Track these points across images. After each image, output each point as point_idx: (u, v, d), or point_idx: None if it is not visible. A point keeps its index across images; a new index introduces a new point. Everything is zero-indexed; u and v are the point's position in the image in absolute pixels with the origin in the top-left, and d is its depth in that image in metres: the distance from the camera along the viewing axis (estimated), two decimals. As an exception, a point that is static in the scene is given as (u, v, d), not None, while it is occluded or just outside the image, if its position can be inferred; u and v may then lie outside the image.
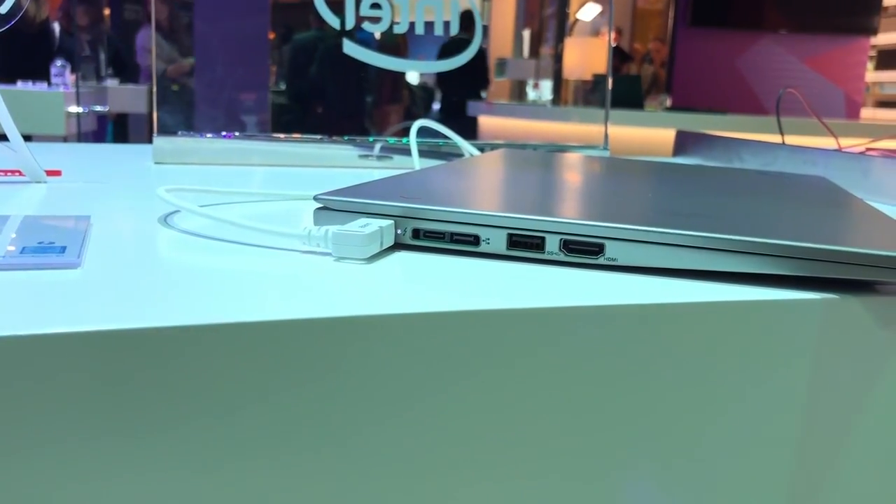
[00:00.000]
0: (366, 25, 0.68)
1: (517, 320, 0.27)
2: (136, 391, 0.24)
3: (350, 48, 0.69)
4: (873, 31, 3.99)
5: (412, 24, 0.69)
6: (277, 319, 0.25)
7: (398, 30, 0.69)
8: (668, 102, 3.66)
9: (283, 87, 0.93)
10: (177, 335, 0.24)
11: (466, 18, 0.73)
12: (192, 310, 0.25)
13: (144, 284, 0.28)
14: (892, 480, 0.33)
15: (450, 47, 0.72)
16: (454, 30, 0.70)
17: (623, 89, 3.12)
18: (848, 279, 0.30)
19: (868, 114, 4.45)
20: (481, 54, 0.75)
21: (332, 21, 0.68)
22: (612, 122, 0.80)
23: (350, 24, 0.68)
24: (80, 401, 0.23)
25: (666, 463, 0.30)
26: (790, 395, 0.31)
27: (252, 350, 0.24)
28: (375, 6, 0.68)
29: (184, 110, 0.73)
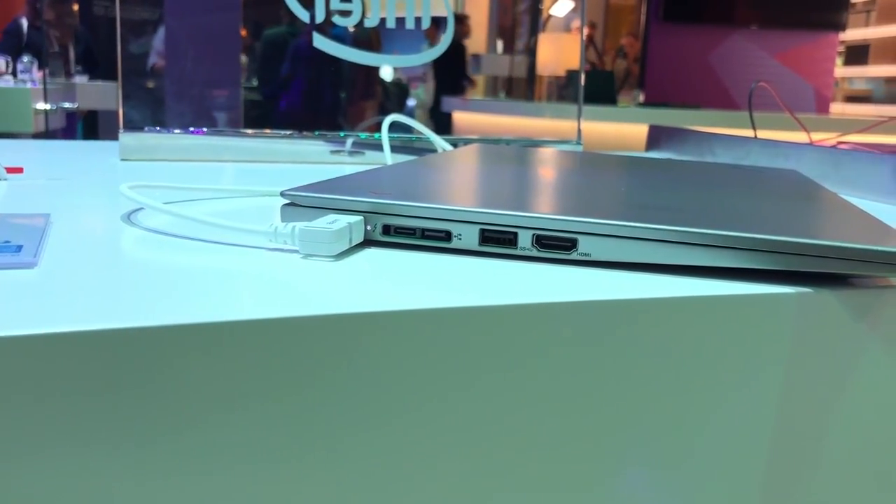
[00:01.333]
0: (336, 19, 0.67)
1: (489, 317, 0.27)
2: (90, 395, 0.23)
3: (320, 42, 0.68)
4: (841, 27, 4.04)
5: (383, 19, 0.68)
6: (234, 320, 0.24)
7: (369, 24, 0.68)
8: (641, 98, 3.67)
9: (254, 82, 0.91)
10: (134, 336, 0.23)
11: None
12: (151, 310, 0.24)
13: (103, 284, 0.27)
14: (867, 471, 0.33)
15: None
16: (425, 24, 0.70)
17: (596, 85, 3.13)
18: (822, 272, 0.30)
19: (837, 108, 4.51)
20: (457, 49, 0.74)
21: (302, 15, 0.67)
22: (585, 117, 0.80)
23: (320, 18, 0.67)
24: (29, 405, 0.22)
25: (641, 456, 0.30)
26: (766, 389, 0.30)
27: (213, 351, 0.24)
28: (346, 0, 0.67)
29: (150, 106, 0.72)
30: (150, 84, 0.74)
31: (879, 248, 0.29)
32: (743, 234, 0.30)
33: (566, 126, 0.81)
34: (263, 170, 0.64)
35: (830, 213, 0.38)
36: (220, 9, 0.81)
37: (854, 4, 4.35)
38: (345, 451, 0.26)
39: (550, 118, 0.92)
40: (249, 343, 0.24)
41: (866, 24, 4.64)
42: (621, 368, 0.28)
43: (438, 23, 0.72)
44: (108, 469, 0.23)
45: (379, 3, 0.68)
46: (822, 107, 4.08)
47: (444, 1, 0.70)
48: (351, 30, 0.70)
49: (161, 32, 0.73)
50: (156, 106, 0.73)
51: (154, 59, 0.74)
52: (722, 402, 0.30)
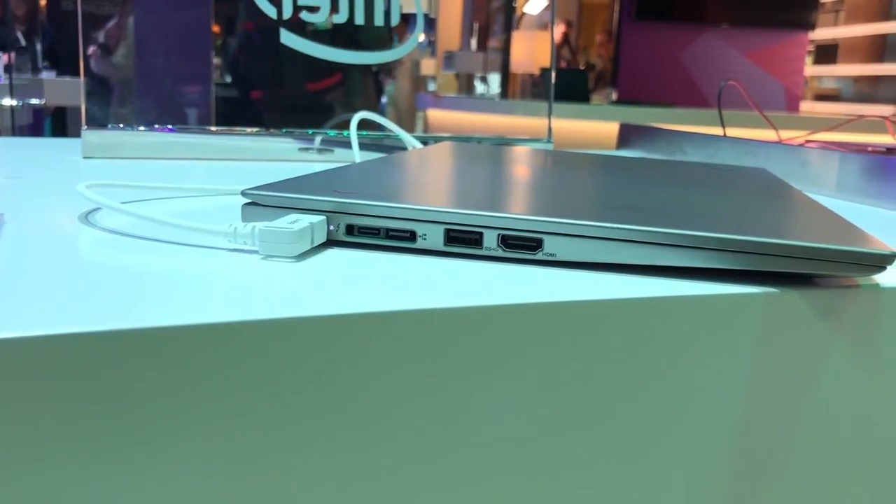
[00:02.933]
0: (304, 15, 0.66)
1: (451, 319, 0.26)
2: (43, 400, 0.22)
3: (287, 38, 0.67)
4: (811, 27, 4.08)
5: (352, 15, 0.68)
6: (184, 324, 0.23)
7: (337, 20, 0.67)
8: (614, 96, 3.69)
9: (223, 79, 0.90)
10: (87, 341, 0.22)
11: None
12: (101, 314, 0.24)
13: (55, 286, 0.26)
14: (831, 469, 0.33)
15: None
16: (395, 20, 0.69)
17: (570, 83, 3.14)
18: (788, 272, 0.30)
19: (807, 107, 4.56)
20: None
21: (269, 11, 0.66)
22: (558, 115, 0.79)
23: (287, 13, 0.66)
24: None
25: (607, 458, 0.29)
26: (732, 389, 0.30)
27: (164, 356, 0.23)
28: (313, -5, 0.67)
29: (114, 102, 0.70)
30: (115, 80, 0.72)
31: (844, 248, 0.29)
32: (707, 234, 0.30)
33: (539, 124, 0.80)
34: (230, 168, 0.63)
35: (797, 213, 0.38)
36: (188, 4, 0.80)
37: (823, 4, 4.40)
38: (307, 456, 0.25)
39: (524, 116, 0.92)
40: (201, 348, 0.23)
41: (835, 23, 4.69)
42: (586, 369, 0.28)
43: (408, 20, 0.72)
44: (62, 476, 0.22)
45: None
46: (793, 105, 4.12)
47: (414, -2, 0.70)
48: (319, 25, 0.69)
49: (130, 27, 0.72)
50: (120, 102, 0.71)
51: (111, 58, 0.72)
52: (688, 401, 0.30)
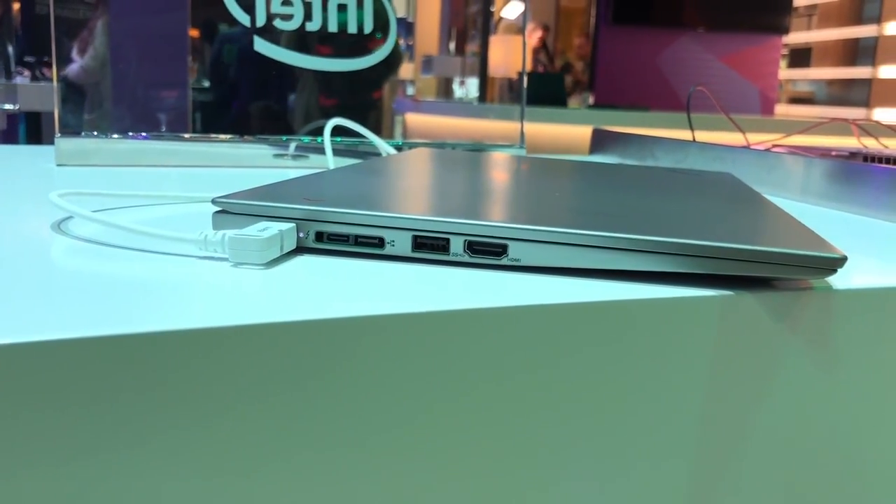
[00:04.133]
0: (277, 23, 0.67)
1: (415, 324, 0.27)
2: (9, 406, 0.22)
3: (261, 46, 0.67)
4: (785, 31, 4.13)
5: (325, 22, 0.68)
6: (152, 331, 0.23)
7: (311, 27, 0.68)
8: (591, 100, 3.71)
9: (199, 85, 0.90)
10: (57, 349, 0.23)
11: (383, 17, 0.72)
12: (73, 322, 0.24)
13: (26, 295, 0.27)
14: (788, 472, 0.34)
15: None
16: (368, 28, 0.70)
17: (547, 87, 3.16)
18: (744, 275, 0.31)
19: (782, 110, 4.61)
20: (398, 52, 0.75)
21: (243, 19, 0.67)
22: (535, 119, 0.81)
23: (261, 21, 0.67)
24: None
25: (566, 461, 0.30)
26: (690, 390, 0.31)
27: (135, 362, 0.23)
28: (287, 3, 0.67)
29: (88, 109, 0.70)
30: (90, 86, 0.72)
31: (796, 252, 0.30)
32: (665, 239, 0.31)
33: (516, 128, 0.81)
34: (205, 174, 0.63)
35: (756, 217, 0.39)
36: (164, 9, 0.80)
37: (797, 8, 4.45)
38: (274, 462, 0.26)
39: (501, 120, 0.93)
40: (168, 354, 0.24)
41: (808, 27, 4.76)
42: (547, 371, 0.29)
43: (382, 27, 0.72)
44: (30, 482, 0.23)
45: (320, 6, 0.68)
46: (768, 108, 4.17)
47: (388, 5, 0.71)
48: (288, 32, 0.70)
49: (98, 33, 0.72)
50: (95, 108, 0.71)
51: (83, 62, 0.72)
52: (647, 402, 0.31)
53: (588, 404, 0.30)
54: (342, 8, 0.68)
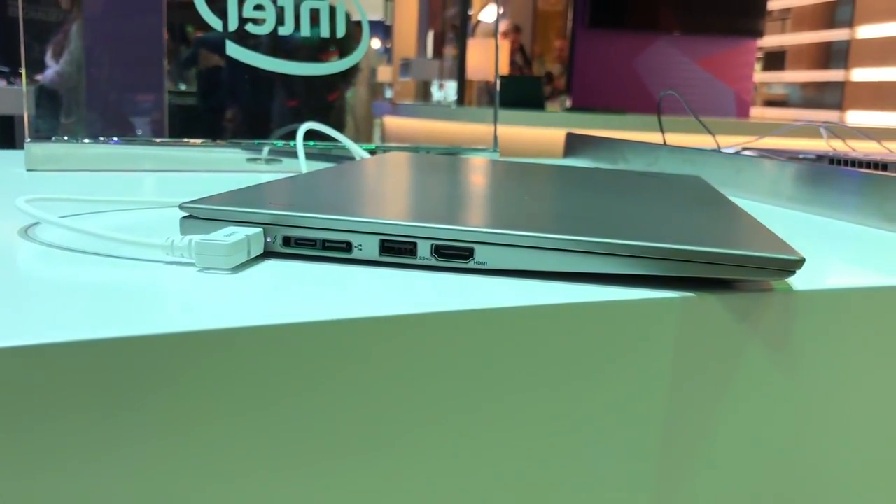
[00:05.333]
0: (249, 27, 0.67)
1: (381, 328, 0.27)
2: (-29, 417, 0.22)
3: (233, 50, 0.67)
4: (759, 34, 4.18)
5: (297, 27, 0.68)
6: (113, 337, 0.24)
7: (283, 32, 0.68)
8: (568, 103, 3.73)
9: (175, 89, 0.90)
10: (23, 354, 0.23)
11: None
12: (36, 327, 0.24)
13: (-12, 302, 0.27)
14: (751, 471, 0.34)
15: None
16: (340, 32, 0.70)
17: (524, 90, 3.17)
18: (706, 277, 0.32)
19: (757, 112, 4.66)
20: (372, 56, 0.75)
21: (215, 23, 0.67)
22: (513, 122, 0.81)
23: (233, 26, 0.67)
24: None
25: (532, 463, 0.30)
26: (652, 390, 0.32)
27: (98, 368, 0.23)
28: (259, 8, 0.67)
29: (59, 113, 0.70)
30: (62, 90, 0.72)
31: (755, 254, 0.31)
32: (627, 242, 0.31)
33: (490, 130, 0.82)
34: (176, 179, 0.63)
35: (719, 220, 0.40)
36: (137, 12, 0.80)
37: (771, 12, 4.50)
38: (233, 462, 0.26)
39: (479, 123, 0.94)
40: (132, 359, 0.24)
41: (782, 31, 4.81)
42: (513, 372, 0.29)
43: (355, 31, 0.73)
44: (-12, 491, 0.23)
45: (293, 11, 0.68)
46: (743, 111, 4.21)
47: (360, 9, 0.71)
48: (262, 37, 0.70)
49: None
50: (67, 112, 0.71)
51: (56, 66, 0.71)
52: (610, 404, 0.31)
53: (551, 405, 0.30)
54: (314, 12, 0.68)
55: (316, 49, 0.70)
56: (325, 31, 0.69)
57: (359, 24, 0.73)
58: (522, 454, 0.30)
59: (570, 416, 0.31)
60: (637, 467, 0.32)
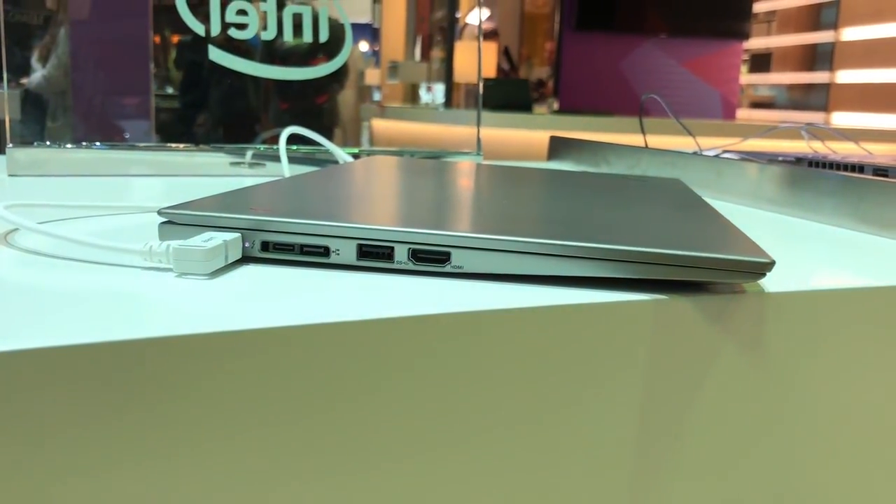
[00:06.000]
0: (232, 32, 0.67)
1: (357, 332, 0.28)
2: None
3: (216, 55, 0.67)
4: (745, 36, 4.20)
5: (280, 31, 0.69)
6: (84, 343, 0.24)
7: (266, 36, 0.68)
8: (556, 105, 3.74)
9: (162, 92, 0.90)
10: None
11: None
12: (13, 333, 0.24)
13: (-36, 309, 0.27)
14: (723, 472, 0.35)
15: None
16: (323, 37, 0.70)
17: (511, 93, 3.18)
18: (678, 280, 0.32)
19: (743, 114, 4.69)
20: (357, 59, 0.75)
21: (197, 28, 0.67)
22: (501, 125, 0.82)
23: (216, 31, 0.67)
24: None
25: (505, 464, 0.31)
26: (626, 393, 0.32)
27: (74, 374, 0.24)
28: (242, 13, 0.67)
29: (41, 118, 0.70)
30: (46, 94, 0.72)
31: (725, 257, 0.31)
32: (601, 246, 0.32)
33: (474, 135, 0.82)
34: (159, 183, 0.63)
35: (695, 223, 0.40)
36: (125, 17, 0.80)
37: (756, 14, 4.53)
38: (209, 465, 0.26)
39: (466, 126, 0.94)
40: (107, 365, 0.24)
41: (768, 33, 4.84)
42: (488, 374, 0.30)
43: (338, 35, 0.73)
44: (-37, 496, 0.23)
45: (275, 16, 0.68)
46: (729, 113, 4.23)
47: (342, 13, 0.71)
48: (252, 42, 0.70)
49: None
50: (52, 117, 0.71)
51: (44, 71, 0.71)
52: (584, 406, 0.31)
53: (525, 408, 0.30)
54: (297, 17, 0.69)
55: (299, 53, 0.70)
56: (307, 36, 0.70)
57: (343, 27, 0.73)
58: (496, 456, 0.31)
59: (545, 418, 0.31)
60: (611, 468, 0.33)
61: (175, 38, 0.82)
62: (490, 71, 3.96)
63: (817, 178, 0.56)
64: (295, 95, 0.80)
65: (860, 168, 0.62)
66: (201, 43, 0.68)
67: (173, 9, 0.70)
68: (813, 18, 4.53)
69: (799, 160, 0.69)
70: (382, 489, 0.29)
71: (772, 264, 0.31)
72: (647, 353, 0.32)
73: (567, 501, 0.32)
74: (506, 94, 3.10)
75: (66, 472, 0.24)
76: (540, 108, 3.67)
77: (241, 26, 0.68)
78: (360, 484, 0.29)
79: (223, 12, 0.67)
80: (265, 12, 0.68)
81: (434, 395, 0.29)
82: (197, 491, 0.26)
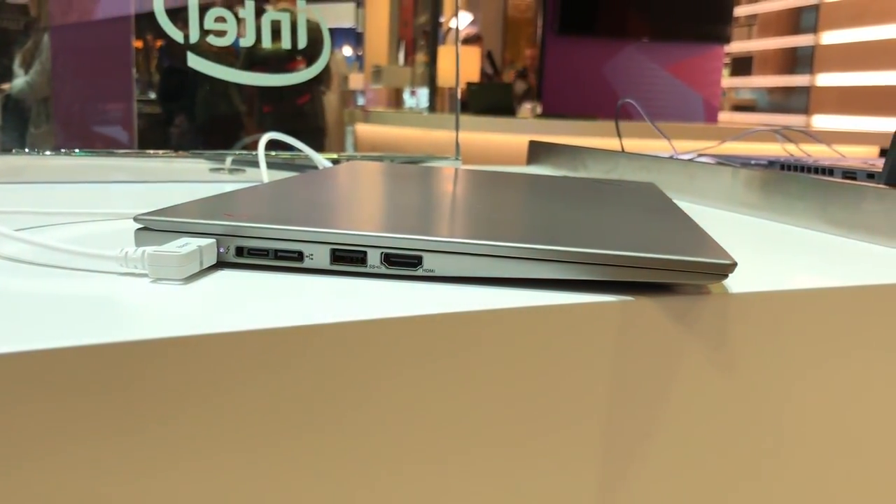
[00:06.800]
0: (211, 39, 0.68)
1: (329, 334, 0.28)
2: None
3: (194, 61, 0.68)
4: (727, 40, 4.23)
5: (258, 38, 0.69)
6: (58, 347, 0.24)
7: (244, 43, 0.69)
8: (539, 109, 3.76)
9: (145, 98, 0.90)
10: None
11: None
12: (-16, 340, 0.25)
13: (-60, 315, 0.27)
14: (689, 472, 0.36)
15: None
16: (301, 43, 0.71)
17: (494, 97, 3.19)
18: (644, 282, 0.33)
19: (726, 117, 4.72)
20: (338, 64, 0.76)
21: (175, 35, 0.67)
22: (483, 129, 0.82)
23: (195, 37, 0.67)
24: None
25: (472, 466, 0.31)
26: (592, 395, 0.33)
27: (42, 378, 0.24)
28: (220, 19, 0.68)
29: (23, 125, 0.70)
30: (30, 100, 0.72)
31: (688, 259, 0.32)
32: (566, 249, 0.32)
33: (460, 137, 0.83)
34: (139, 190, 0.64)
35: (663, 226, 0.41)
36: (106, 22, 0.80)
37: (737, 18, 4.57)
38: (181, 474, 0.27)
39: (450, 130, 0.95)
40: (78, 369, 0.25)
41: (749, 36, 4.89)
42: (457, 376, 0.30)
43: (316, 40, 0.73)
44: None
45: (254, 22, 0.69)
46: (712, 116, 4.26)
47: (320, 19, 0.72)
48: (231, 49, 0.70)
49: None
50: (35, 123, 0.71)
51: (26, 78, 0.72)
52: (551, 406, 0.32)
53: (493, 408, 0.31)
54: (275, 23, 0.69)
55: (279, 59, 0.71)
56: (286, 42, 0.70)
57: (322, 32, 0.74)
58: (465, 456, 0.31)
59: (512, 419, 0.32)
60: (578, 468, 0.33)
61: (157, 44, 0.82)
62: (473, 75, 3.97)
63: (787, 182, 0.57)
64: (276, 101, 0.80)
65: (830, 171, 0.63)
66: (180, 49, 0.68)
67: (154, 15, 0.70)
68: (793, 22, 4.58)
69: (772, 163, 0.70)
70: (351, 491, 0.30)
71: (734, 265, 0.32)
72: (614, 352, 0.33)
73: (536, 501, 0.33)
74: (489, 99, 3.11)
75: (42, 475, 0.25)
76: (524, 112, 3.69)
77: (220, 33, 0.68)
78: (327, 488, 0.29)
79: (202, 19, 0.68)
80: (243, 19, 0.68)
81: (404, 395, 0.30)
82: (171, 493, 0.27)
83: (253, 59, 0.74)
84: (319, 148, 0.71)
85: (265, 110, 0.88)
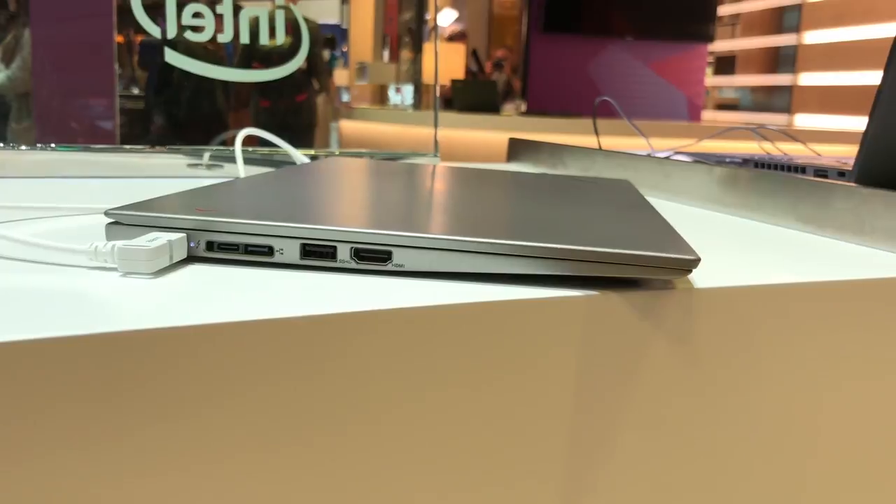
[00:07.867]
0: (188, 34, 0.67)
1: (297, 328, 0.28)
2: None
3: (172, 57, 0.68)
4: (710, 39, 4.26)
5: (237, 33, 0.69)
6: (21, 339, 0.24)
7: (222, 39, 0.69)
8: (524, 107, 3.77)
9: (128, 93, 0.90)
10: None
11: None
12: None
13: None
14: (655, 466, 0.36)
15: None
16: (280, 39, 0.71)
17: (479, 94, 3.19)
18: (610, 277, 0.33)
19: (709, 116, 4.75)
20: (315, 60, 0.76)
21: (153, 30, 0.67)
22: (468, 126, 0.83)
23: (172, 33, 0.67)
24: None
25: (437, 460, 0.32)
26: (558, 389, 0.33)
27: (9, 371, 0.24)
28: (198, 15, 0.68)
29: (3, 119, 0.70)
30: (10, 95, 0.72)
31: (652, 255, 0.33)
32: (532, 244, 0.33)
33: (445, 135, 0.83)
34: (115, 185, 0.64)
35: (632, 222, 0.42)
36: (87, 17, 0.80)
37: (721, 17, 4.60)
38: (151, 460, 0.27)
39: (432, 127, 0.95)
40: (38, 363, 0.25)
41: (732, 35, 4.92)
42: (426, 370, 0.31)
43: (296, 36, 0.74)
44: None
45: (232, 18, 0.69)
46: (695, 114, 4.29)
47: (298, 16, 0.72)
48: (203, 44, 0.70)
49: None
50: (12, 118, 0.71)
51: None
52: (518, 400, 0.33)
53: (460, 402, 0.32)
54: (254, 19, 0.69)
55: (258, 55, 0.71)
56: (264, 38, 0.70)
57: (301, 29, 0.74)
58: (430, 449, 0.32)
59: (479, 412, 0.32)
60: (544, 462, 0.34)
61: (138, 39, 0.82)
62: (459, 73, 3.98)
63: (760, 179, 0.58)
64: (257, 97, 0.80)
65: (803, 169, 0.64)
66: (158, 45, 0.68)
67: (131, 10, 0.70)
68: (776, 22, 4.61)
69: (746, 161, 0.71)
70: (316, 485, 0.30)
71: (697, 261, 0.33)
72: (580, 346, 0.33)
73: (500, 495, 0.33)
74: (474, 96, 3.11)
75: (8, 465, 0.25)
76: (509, 110, 3.70)
77: (198, 29, 0.68)
78: (294, 481, 0.29)
79: (179, 15, 0.67)
80: (221, 15, 0.68)
81: (372, 388, 0.30)
82: (137, 488, 0.27)
83: (253, 55, 0.74)
84: (309, 145, 0.71)
85: (262, 105, 0.88)
